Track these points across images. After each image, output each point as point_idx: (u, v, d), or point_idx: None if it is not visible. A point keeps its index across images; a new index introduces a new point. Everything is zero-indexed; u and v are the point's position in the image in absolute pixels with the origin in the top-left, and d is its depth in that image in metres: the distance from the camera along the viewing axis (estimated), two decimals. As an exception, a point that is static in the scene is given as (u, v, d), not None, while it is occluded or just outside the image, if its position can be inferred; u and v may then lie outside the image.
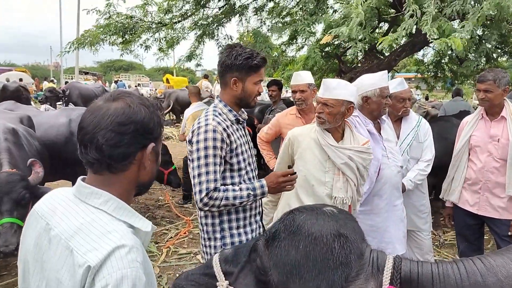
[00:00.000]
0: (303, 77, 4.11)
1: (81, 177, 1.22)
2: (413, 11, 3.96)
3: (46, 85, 20.84)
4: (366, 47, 4.01)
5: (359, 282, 1.35)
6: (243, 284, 1.55)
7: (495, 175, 3.14)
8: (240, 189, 2.20)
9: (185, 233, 5.21)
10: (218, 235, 2.31)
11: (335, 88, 2.49)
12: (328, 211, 1.49)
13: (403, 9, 4.07)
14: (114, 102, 1.17)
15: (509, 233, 3.09)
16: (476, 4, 4.02)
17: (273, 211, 2.89)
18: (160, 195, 6.84)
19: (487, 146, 3.18)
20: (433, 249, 3.88)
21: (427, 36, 3.90)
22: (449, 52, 8.51)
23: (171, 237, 5.12)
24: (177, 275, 4.14)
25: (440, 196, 3.60)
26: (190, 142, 2.24)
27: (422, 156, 3.42)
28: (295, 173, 2.30)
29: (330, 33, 4.18)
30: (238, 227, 2.32)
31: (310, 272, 1.34)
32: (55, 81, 26.47)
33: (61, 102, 12.44)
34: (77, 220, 1.12)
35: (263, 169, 5.73)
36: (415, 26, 4.02)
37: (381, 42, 4.01)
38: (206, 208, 2.17)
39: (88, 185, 1.18)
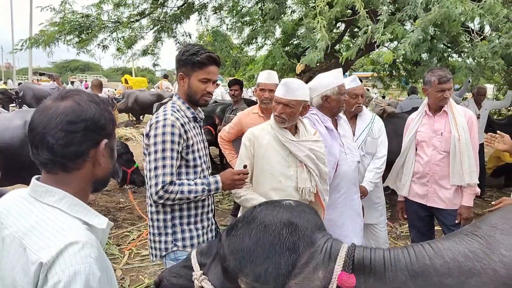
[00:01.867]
0: (274, 77, 4.11)
1: (36, 176, 1.21)
2: (366, 26, 4.16)
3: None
4: (324, 49, 4.13)
5: (307, 271, 1.45)
6: (214, 273, 1.69)
7: (440, 168, 3.32)
8: (195, 184, 2.24)
9: (147, 234, 5.14)
10: (169, 231, 2.33)
11: (297, 89, 2.55)
12: (286, 203, 1.60)
13: (358, 13, 4.24)
14: (63, 101, 1.17)
15: (456, 221, 3.28)
16: (424, 13, 4.22)
17: None
18: (121, 197, 6.73)
19: (431, 141, 3.36)
20: (389, 241, 4.04)
21: (378, 43, 4.11)
22: (403, 52, 8.84)
23: (133, 239, 5.05)
24: (140, 277, 4.11)
25: (384, 185, 3.76)
26: (147, 135, 2.26)
27: (377, 152, 3.55)
28: (248, 173, 2.43)
29: (302, 62, 4.35)
30: (189, 223, 2.35)
31: (260, 257, 1.46)
32: (10, 82, 25.15)
33: (14, 104, 11.97)
34: (31, 219, 1.12)
35: (224, 169, 5.74)
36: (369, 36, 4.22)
37: (344, 58, 4.32)
38: (161, 201, 2.19)
39: (42, 183, 1.17)
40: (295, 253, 1.46)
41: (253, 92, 4.39)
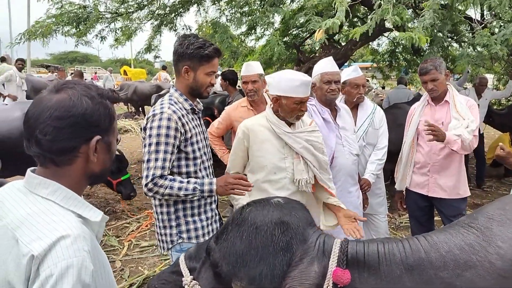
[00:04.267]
0: (254, 67, 3.97)
1: (31, 168, 1.20)
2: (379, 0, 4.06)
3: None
4: (344, 14, 4.02)
5: (302, 266, 1.42)
6: (204, 278, 1.64)
7: (441, 157, 3.31)
8: (188, 182, 2.20)
9: (146, 226, 5.16)
10: (173, 223, 2.33)
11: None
12: (275, 201, 1.57)
13: None
14: (57, 94, 1.15)
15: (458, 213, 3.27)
16: None
17: None
18: (120, 188, 6.73)
19: None
20: (389, 231, 4.04)
21: (391, 24, 4.00)
22: (403, 41, 8.79)
23: (133, 231, 5.06)
24: (140, 268, 4.11)
25: (396, 187, 3.72)
26: (145, 129, 2.26)
27: (378, 142, 3.54)
28: (249, 184, 2.26)
29: (321, 28, 4.13)
30: (193, 215, 2.34)
31: (253, 259, 1.42)
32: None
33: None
34: (24, 210, 1.11)
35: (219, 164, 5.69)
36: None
37: (354, 34, 4.09)
38: (150, 194, 2.19)
39: (36, 175, 1.16)
40: (289, 252, 1.43)
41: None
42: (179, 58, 2.29)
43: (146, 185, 2.17)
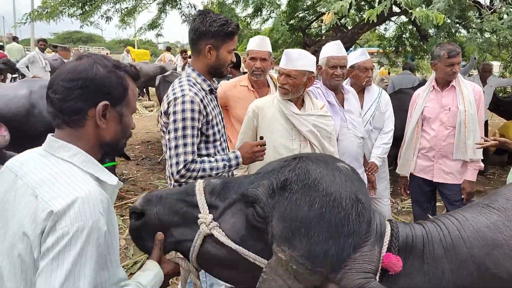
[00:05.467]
0: (266, 44, 3.30)
1: (51, 133, 1.27)
2: None
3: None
4: (336, 19, 3.98)
5: (365, 249, 1.27)
6: (229, 223, 1.39)
7: (446, 143, 3.32)
8: (216, 160, 2.21)
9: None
10: None
11: (297, 59, 2.51)
12: (343, 168, 1.36)
13: None
14: (76, 61, 1.25)
15: (462, 196, 3.29)
16: None
17: None
18: (124, 169, 6.78)
19: (439, 116, 3.34)
20: (392, 215, 4.07)
21: (404, 5, 3.94)
22: (410, 27, 8.70)
23: (137, 210, 5.10)
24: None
25: (397, 171, 3.75)
26: (166, 113, 2.18)
27: (384, 126, 3.54)
28: (265, 144, 2.36)
29: (330, 11, 4.05)
30: None
31: (320, 234, 1.22)
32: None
33: (17, 75, 11.90)
34: (46, 171, 1.18)
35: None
36: None
37: (369, 16, 4.02)
38: (183, 180, 2.14)
39: (57, 139, 1.23)
40: (359, 236, 1.26)
41: (243, 61, 3.52)
42: (200, 36, 2.20)
43: (178, 171, 2.11)
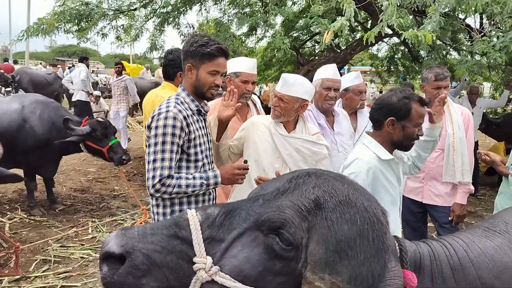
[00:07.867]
0: (255, 67, 3.19)
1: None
2: (388, 3, 4.09)
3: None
4: (352, 15, 4.04)
5: (393, 265, 1.17)
6: (239, 259, 1.13)
7: (435, 165, 3.34)
8: (194, 178, 2.21)
9: (141, 223, 5.16)
10: None
11: (292, 85, 2.54)
12: (354, 182, 1.26)
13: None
14: None
15: (449, 218, 3.31)
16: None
17: None
18: (116, 185, 6.74)
19: None
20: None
21: (396, 27, 4.02)
22: (402, 48, 8.85)
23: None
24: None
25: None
26: (149, 127, 2.22)
27: None
28: (248, 168, 2.37)
29: (330, 29, 4.12)
30: None
31: (365, 254, 1.09)
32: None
33: (10, 88, 11.88)
34: (357, 149, 2.48)
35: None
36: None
37: (368, 37, 4.10)
38: (158, 195, 2.16)
39: (367, 135, 2.39)
40: (391, 249, 1.17)
41: (227, 82, 3.09)
42: (184, 56, 2.29)
43: (153, 186, 2.12)
